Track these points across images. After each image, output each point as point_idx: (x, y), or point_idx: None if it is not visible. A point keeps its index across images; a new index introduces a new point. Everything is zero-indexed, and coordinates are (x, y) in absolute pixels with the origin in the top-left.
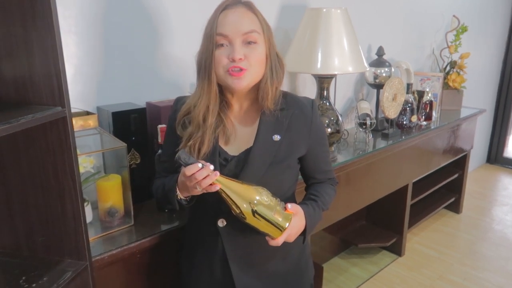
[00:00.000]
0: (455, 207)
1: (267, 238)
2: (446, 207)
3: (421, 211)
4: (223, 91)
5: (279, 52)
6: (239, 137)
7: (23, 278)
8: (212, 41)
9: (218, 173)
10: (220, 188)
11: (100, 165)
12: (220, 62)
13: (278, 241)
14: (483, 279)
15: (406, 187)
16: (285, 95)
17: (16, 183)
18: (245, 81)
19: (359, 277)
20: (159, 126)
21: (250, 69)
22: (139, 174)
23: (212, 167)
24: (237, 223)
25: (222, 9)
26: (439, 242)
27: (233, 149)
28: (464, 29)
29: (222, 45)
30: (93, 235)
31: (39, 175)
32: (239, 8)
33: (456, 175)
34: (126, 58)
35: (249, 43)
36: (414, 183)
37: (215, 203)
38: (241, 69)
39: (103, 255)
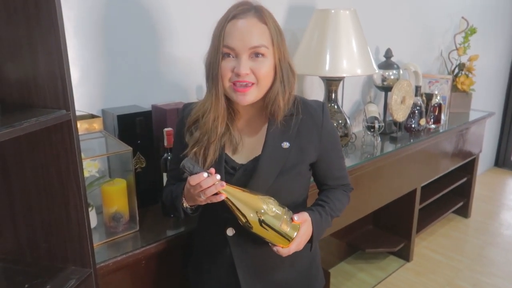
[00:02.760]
0: (464, 212)
1: (276, 248)
2: (454, 212)
3: (429, 215)
4: (230, 100)
5: (291, 61)
6: (247, 145)
7: (26, 285)
8: (218, 50)
9: (224, 183)
10: (226, 197)
11: (105, 169)
12: (225, 75)
13: (290, 250)
14: (493, 285)
15: (414, 191)
16: (295, 99)
17: (20, 188)
18: (250, 97)
19: (367, 283)
20: (165, 129)
21: (257, 84)
22: (145, 178)
23: (218, 176)
24: (247, 232)
25: (231, 17)
26: (447, 247)
27: (241, 157)
28: (473, 31)
29: (228, 55)
30: (97, 241)
31: (43, 180)
32: (249, 18)
33: (464, 179)
34: (132, 60)
35: (257, 56)
36: (421, 187)
37: (224, 211)
38: (246, 85)
39: (107, 262)
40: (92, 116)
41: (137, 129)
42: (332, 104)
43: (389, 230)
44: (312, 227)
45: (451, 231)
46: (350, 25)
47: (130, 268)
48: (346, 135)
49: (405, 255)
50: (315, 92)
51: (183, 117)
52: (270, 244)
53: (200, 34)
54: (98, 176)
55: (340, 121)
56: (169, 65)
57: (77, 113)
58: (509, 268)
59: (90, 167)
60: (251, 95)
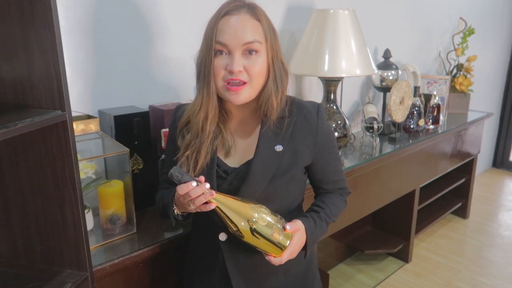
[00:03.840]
0: (462, 212)
1: (268, 257)
2: (453, 213)
3: (428, 216)
4: (223, 100)
5: (284, 59)
6: (239, 148)
7: None
8: (210, 48)
9: (214, 192)
10: (216, 206)
11: (101, 170)
12: (218, 73)
13: (282, 259)
14: (492, 286)
15: (413, 192)
16: (290, 101)
17: (14, 190)
18: (243, 96)
19: (366, 284)
20: (163, 130)
21: (250, 82)
22: (142, 180)
23: (208, 185)
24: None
25: (223, 13)
26: (446, 248)
27: (234, 161)
28: (471, 32)
29: (221, 52)
30: (94, 244)
31: (38, 181)
32: (242, 14)
33: (463, 180)
34: (129, 60)
35: (250, 53)
36: (420, 188)
37: (216, 216)
38: (239, 82)
39: (104, 265)
40: (89, 117)
41: (134, 130)
42: (331, 105)
43: (388, 231)
44: (306, 235)
45: (450, 232)
46: (349, 25)
47: (127, 271)
48: (345, 135)
49: (404, 256)
50: (314, 93)
51: (175, 119)
52: (263, 253)
53: (198, 34)
54: (95, 177)
55: (339, 122)
56: (167, 65)
57: (73, 114)
58: (508, 269)
59: (87, 169)
60: (244, 94)
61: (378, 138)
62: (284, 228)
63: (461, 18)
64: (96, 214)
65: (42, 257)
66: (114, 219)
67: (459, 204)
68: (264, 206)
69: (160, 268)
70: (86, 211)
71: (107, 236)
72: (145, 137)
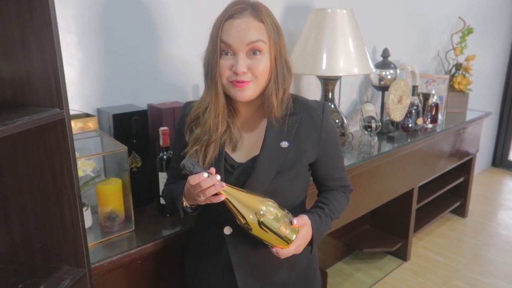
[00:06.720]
0: (461, 211)
1: (275, 249)
2: (451, 211)
3: (426, 215)
4: (230, 97)
5: (289, 58)
6: (246, 144)
7: (19, 286)
8: (216, 48)
9: (224, 184)
10: (226, 198)
11: (100, 168)
12: (223, 73)
13: (288, 251)
14: (490, 285)
15: (411, 191)
16: (294, 99)
17: (13, 187)
18: (248, 92)
19: (364, 283)
20: (161, 128)
21: (255, 80)
22: (140, 178)
23: (219, 177)
24: (245, 231)
25: (228, 16)
26: (445, 247)
27: (240, 156)
28: (469, 31)
29: (226, 53)
30: (92, 241)
31: (37, 179)
32: (245, 17)
33: (461, 179)
34: (127, 59)
35: (254, 53)
36: (419, 187)
37: (222, 209)
38: (244, 81)
39: (102, 262)
40: (87, 115)
41: (132, 129)
42: (329, 104)
43: (387, 229)
44: (312, 230)
45: (448, 231)
46: (347, 24)
47: (125, 268)
48: (343, 134)
49: (402, 254)
50: (312, 92)
51: (184, 115)
52: (269, 246)
53: (197, 34)
54: (93, 175)
55: (337, 121)
56: (166, 64)
57: (72, 112)
58: (506, 268)
59: (85, 167)
60: (249, 91)
61: (376, 137)
62: (291, 223)
63: (459, 17)
64: (94, 211)
65: (41, 254)
66: (112, 217)
67: (458, 203)
68: (272, 200)
69: (158, 265)
70: (84, 208)
71: (106, 234)
72: (143, 135)
